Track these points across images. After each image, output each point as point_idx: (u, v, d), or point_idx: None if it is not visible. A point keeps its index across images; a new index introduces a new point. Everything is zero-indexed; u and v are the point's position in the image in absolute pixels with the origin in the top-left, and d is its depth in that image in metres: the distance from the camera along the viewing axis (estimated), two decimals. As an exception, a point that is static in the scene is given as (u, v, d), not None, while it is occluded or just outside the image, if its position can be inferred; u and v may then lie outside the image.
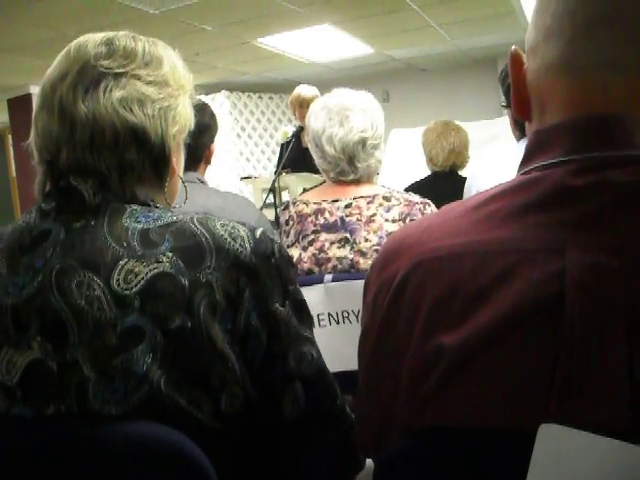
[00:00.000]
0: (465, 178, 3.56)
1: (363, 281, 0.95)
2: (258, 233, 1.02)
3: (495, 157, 2.86)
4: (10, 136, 9.69)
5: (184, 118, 1.11)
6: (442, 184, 3.58)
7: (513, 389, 0.70)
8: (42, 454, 0.91)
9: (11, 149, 9.73)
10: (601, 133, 0.77)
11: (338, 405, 1.07)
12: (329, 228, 2.13)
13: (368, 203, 2.13)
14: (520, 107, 0.89)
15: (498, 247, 0.76)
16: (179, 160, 1.16)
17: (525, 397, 0.69)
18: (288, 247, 2.20)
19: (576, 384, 0.68)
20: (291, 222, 2.23)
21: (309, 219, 2.17)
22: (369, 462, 0.95)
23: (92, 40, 1.07)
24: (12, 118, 8.45)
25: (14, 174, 9.51)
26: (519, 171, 0.84)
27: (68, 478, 0.90)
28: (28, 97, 7.88)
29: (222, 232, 1.00)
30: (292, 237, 2.20)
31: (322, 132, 2.17)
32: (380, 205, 2.12)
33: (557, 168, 0.78)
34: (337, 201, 2.16)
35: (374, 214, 2.10)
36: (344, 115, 2.15)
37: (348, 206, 2.14)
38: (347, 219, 2.11)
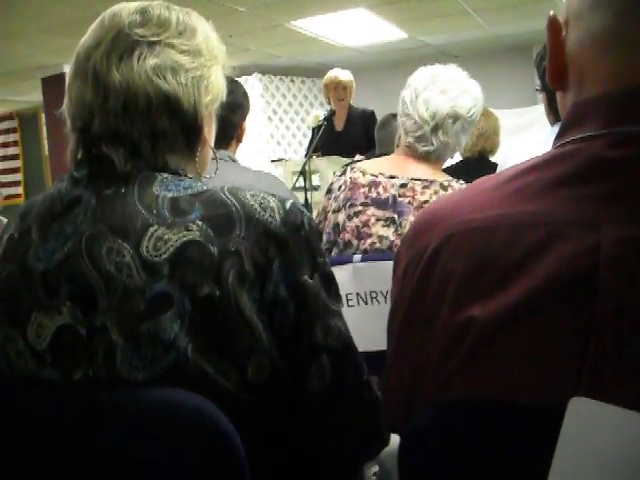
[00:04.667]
0: (496, 164, 3.53)
1: (392, 262, 0.95)
2: (288, 204, 1.02)
3: (528, 142, 2.83)
4: (43, 115, 9.75)
5: (217, 88, 1.11)
6: (473, 170, 3.55)
7: (543, 363, 0.69)
8: (69, 417, 0.92)
9: (44, 128, 9.80)
10: None
11: (364, 380, 1.07)
12: (379, 204, 2.10)
13: (424, 188, 2.09)
14: (555, 75, 0.87)
15: (531, 220, 0.75)
16: (210, 130, 1.16)
17: (556, 372, 0.68)
18: (334, 212, 2.18)
19: (608, 360, 0.66)
20: (343, 187, 2.20)
21: (362, 190, 2.13)
22: (394, 441, 0.95)
23: (126, 8, 1.07)
24: (46, 97, 8.50)
25: (47, 153, 9.58)
26: (554, 145, 0.83)
27: (94, 442, 0.91)
28: (62, 76, 7.91)
29: (252, 202, 1.00)
30: (340, 202, 2.17)
31: (421, 92, 2.13)
32: (435, 193, 2.08)
33: (594, 141, 0.76)
34: (394, 177, 2.12)
35: (427, 201, 2.06)
36: (449, 86, 2.13)
37: (403, 186, 2.10)
38: (399, 199, 2.08)
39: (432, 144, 2.13)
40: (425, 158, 2.17)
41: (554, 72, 0.87)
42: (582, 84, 0.82)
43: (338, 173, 2.30)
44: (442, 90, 2.13)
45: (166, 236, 0.94)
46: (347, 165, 2.31)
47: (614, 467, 0.64)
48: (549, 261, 0.71)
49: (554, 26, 0.86)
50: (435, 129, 2.12)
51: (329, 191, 2.29)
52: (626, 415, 0.63)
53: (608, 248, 0.69)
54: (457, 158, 3.72)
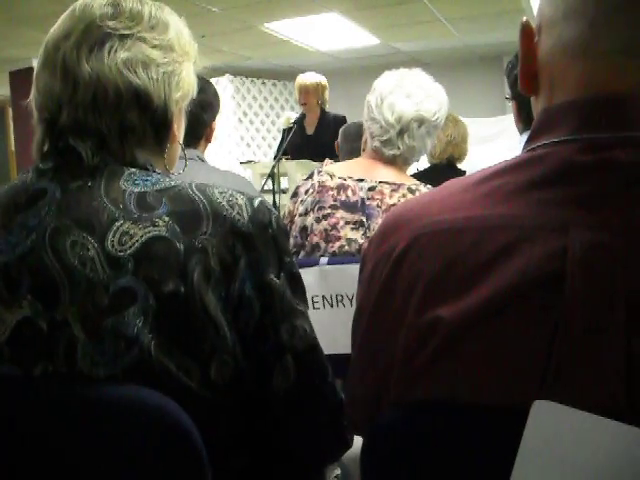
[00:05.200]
0: (464, 171, 3.56)
1: (358, 265, 0.94)
2: (256, 202, 1.01)
3: (497, 151, 2.85)
4: (10, 109, 9.63)
5: (187, 84, 1.10)
6: (441, 176, 3.56)
7: (508, 365, 0.70)
8: (28, 414, 0.90)
9: (11, 123, 9.68)
10: (610, 113, 0.76)
11: (329, 382, 1.07)
12: (348, 207, 2.10)
13: (392, 191, 2.09)
14: (527, 79, 0.88)
15: (500, 223, 0.75)
16: (180, 127, 1.15)
17: (520, 374, 0.69)
18: (300, 215, 2.18)
19: (572, 364, 0.67)
20: (311, 190, 2.20)
21: (330, 192, 2.14)
22: (356, 445, 0.95)
23: (98, 1, 1.06)
24: (13, 91, 8.40)
25: (13, 148, 9.46)
26: (524, 149, 0.83)
27: (53, 438, 0.90)
28: (30, 70, 7.80)
29: (220, 199, 0.99)
30: (308, 205, 2.17)
31: (387, 96, 2.15)
32: (403, 196, 2.08)
33: (564, 146, 0.77)
34: (362, 181, 2.13)
35: (395, 204, 2.06)
36: (414, 91, 2.15)
37: (372, 189, 2.10)
38: (367, 202, 2.08)
39: (398, 148, 2.14)
40: (392, 162, 2.18)
41: (526, 76, 0.88)
42: (552, 91, 0.83)
43: (304, 177, 2.30)
44: (407, 94, 2.14)
45: (132, 231, 0.93)
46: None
47: (576, 470, 0.64)
48: (516, 263, 0.71)
49: (526, 31, 0.87)
50: (401, 133, 2.13)
51: (295, 194, 2.28)
52: (588, 419, 0.64)
53: (576, 252, 0.69)
54: (423, 162, 3.75)
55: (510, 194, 0.77)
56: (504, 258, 0.72)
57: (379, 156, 2.19)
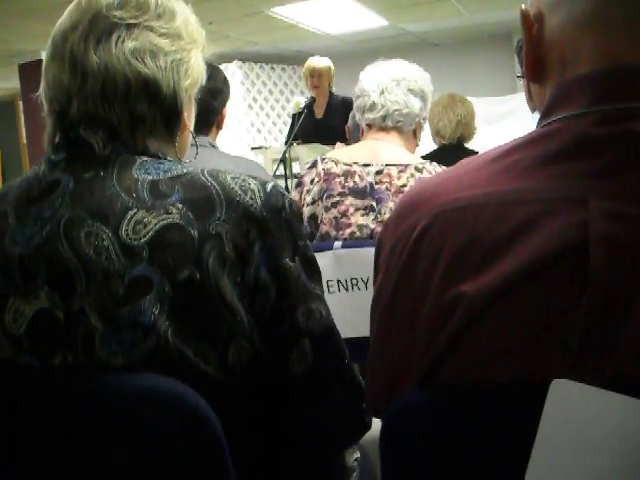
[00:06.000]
0: (474, 151, 3.53)
1: (373, 249, 0.94)
2: (269, 187, 1.01)
3: (508, 130, 2.84)
4: (21, 102, 9.65)
5: (196, 72, 1.10)
6: (450, 157, 3.55)
7: (531, 340, 0.69)
8: (48, 403, 0.91)
9: (22, 116, 9.70)
10: (626, 84, 0.76)
11: (346, 365, 1.07)
12: (357, 193, 2.10)
13: (400, 172, 2.09)
14: (532, 67, 0.87)
15: (518, 197, 0.75)
16: (190, 115, 1.15)
17: (543, 349, 0.69)
18: (308, 205, 2.18)
19: (597, 335, 0.66)
20: (317, 179, 2.20)
21: (337, 179, 2.14)
22: (375, 428, 0.95)
23: None
24: (23, 84, 8.42)
25: (25, 141, 9.49)
26: (539, 124, 0.83)
27: (72, 428, 0.90)
28: (39, 63, 7.77)
29: (233, 185, 0.99)
30: (315, 194, 2.17)
31: (367, 74, 2.24)
32: (412, 176, 2.09)
33: (579, 119, 0.76)
34: (368, 165, 2.13)
35: (404, 185, 2.07)
36: (393, 66, 2.24)
37: (379, 173, 2.11)
38: (376, 186, 2.09)
39: (382, 106, 2.18)
40: (387, 132, 2.20)
41: (530, 64, 0.87)
42: (565, 68, 0.82)
43: (307, 165, 2.30)
44: (385, 68, 2.23)
45: (146, 219, 0.93)
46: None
47: (594, 449, 0.64)
48: (538, 237, 0.71)
49: (526, 20, 0.87)
50: (382, 93, 2.18)
51: (299, 184, 2.28)
52: (607, 397, 0.64)
53: (596, 223, 0.69)
54: (429, 145, 3.72)
55: (527, 169, 0.77)
56: (525, 232, 0.72)
57: (375, 131, 2.20)
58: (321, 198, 2.14)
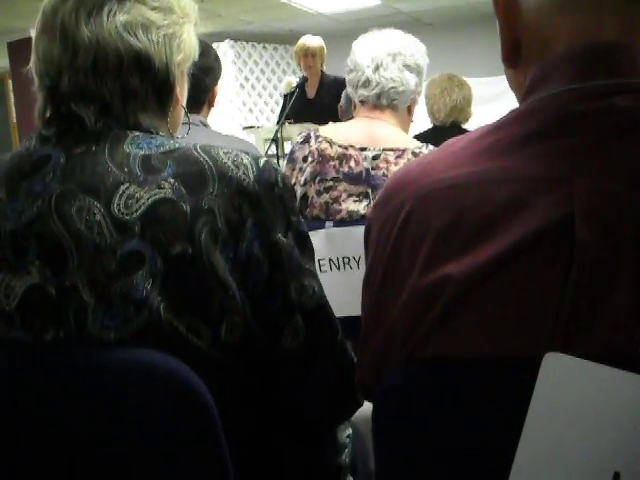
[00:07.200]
0: (467, 131, 3.52)
1: (364, 227, 0.94)
2: (262, 162, 1.01)
3: (502, 110, 2.83)
4: (10, 81, 9.56)
5: (189, 46, 1.09)
6: (445, 137, 3.53)
7: (519, 317, 0.70)
8: (40, 379, 0.91)
9: (11, 95, 9.61)
10: (606, 60, 0.76)
11: (338, 341, 1.07)
12: (352, 179, 2.06)
13: (397, 157, 2.05)
14: (507, 52, 0.86)
15: (502, 176, 0.75)
16: (182, 90, 1.14)
17: (531, 326, 0.69)
18: (301, 186, 2.14)
19: (584, 313, 0.67)
20: (310, 159, 2.14)
21: (331, 163, 2.09)
22: (368, 405, 0.95)
23: None
24: (12, 63, 8.34)
25: (15, 120, 9.42)
26: (521, 104, 0.83)
27: (65, 403, 0.90)
28: (28, 41, 7.70)
29: (225, 160, 0.99)
30: (308, 176, 2.12)
31: (361, 46, 2.15)
32: (409, 161, 2.04)
33: (560, 96, 0.76)
34: (365, 150, 2.08)
35: None
36: (386, 37, 2.15)
37: (376, 158, 2.06)
38: (373, 172, 2.05)
39: (377, 84, 2.11)
40: (381, 110, 2.14)
41: (506, 48, 0.86)
42: (545, 49, 0.82)
43: (299, 139, 2.22)
44: (379, 40, 2.14)
45: (137, 194, 0.93)
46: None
47: (587, 421, 0.65)
48: (523, 216, 0.71)
49: (499, 5, 0.85)
50: (377, 69, 2.10)
51: (291, 160, 2.21)
52: (599, 370, 0.64)
53: (581, 200, 0.69)
54: (427, 123, 3.70)
55: (509, 147, 0.77)
56: (510, 212, 0.72)
57: (368, 108, 2.15)
58: (314, 180, 2.11)
